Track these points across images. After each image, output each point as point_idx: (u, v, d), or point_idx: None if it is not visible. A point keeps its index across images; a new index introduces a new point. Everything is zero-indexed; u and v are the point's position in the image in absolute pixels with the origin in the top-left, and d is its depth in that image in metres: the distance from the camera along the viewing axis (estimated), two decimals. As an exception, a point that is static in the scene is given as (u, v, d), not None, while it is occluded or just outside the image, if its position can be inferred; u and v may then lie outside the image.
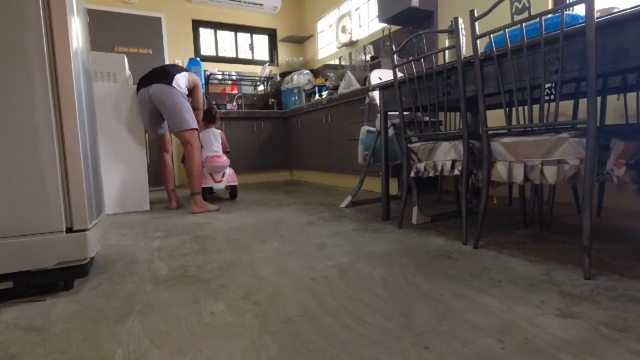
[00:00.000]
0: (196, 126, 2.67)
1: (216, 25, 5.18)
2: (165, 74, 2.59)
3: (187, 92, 2.72)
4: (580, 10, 1.50)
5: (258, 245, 1.68)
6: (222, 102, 4.98)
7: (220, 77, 5.11)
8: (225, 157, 3.07)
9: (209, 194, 3.41)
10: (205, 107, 3.13)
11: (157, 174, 4.77)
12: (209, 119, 3.18)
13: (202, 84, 4.61)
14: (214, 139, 3.15)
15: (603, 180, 1.19)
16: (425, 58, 1.67)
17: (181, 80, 2.64)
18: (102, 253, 1.67)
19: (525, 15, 2.44)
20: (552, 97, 1.99)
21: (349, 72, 3.87)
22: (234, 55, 5.35)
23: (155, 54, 4.79)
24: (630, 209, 2.10)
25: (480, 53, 1.43)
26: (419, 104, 1.77)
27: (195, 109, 2.84)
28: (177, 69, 2.69)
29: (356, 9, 4.42)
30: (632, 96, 2.04)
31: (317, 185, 4.19)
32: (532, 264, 1.29)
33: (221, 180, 3.07)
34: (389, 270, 1.29)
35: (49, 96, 1.14)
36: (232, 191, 3.29)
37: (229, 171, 3.15)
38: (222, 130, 3.63)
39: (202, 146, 2.99)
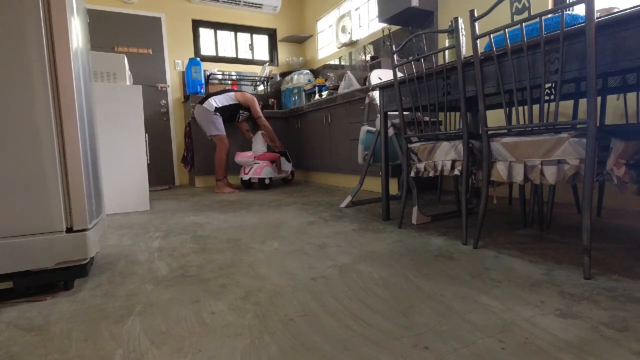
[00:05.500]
0: (217, 133, 3.70)
1: (216, 25, 5.18)
2: (205, 97, 3.75)
3: (216, 108, 3.70)
4: (580, 10, 1.51)
5: (258, 245, 1.68)
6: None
7: (220, 77, 5.11)
8: (249, 154, 3.80)
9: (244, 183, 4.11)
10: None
11: (157, 174, 4.80)
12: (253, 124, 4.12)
13: (202, 84, 4.63)
14: (256, 142, 4.01)
15: (603, 180, 1.19)
16: (425, 58, 1.67)
17: (212, 101, 3.69)
18: (102, 253, 1.67)
19: (525, 15, 2.44)
20: (552, 97, 1.99)
21: (349, 72, 3.87)
22: (234, 55, 5.35)
23: (155, 54, 4.79)
24: (630, 209, 2.10)
25: (480, 53, 1.43)
26: (419, 104, 1.77)
27: (257, 118, 3.89)
28: (216, 93, 3.79)
29: (356, 9, 4.42)
30: (632, 96, 2.04)
31: (317, 185, 4.19)
32: (532, 264, 1.29)
33: (247, 173, 3.81)
34: (389, 271, 1.29)
35: (49, 96, 1.14)
36: (260, 182, 3.89)
37: (255, 167, 3.79)
38: (243, 129, 4.31)
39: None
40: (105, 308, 1.07)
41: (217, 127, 3.69)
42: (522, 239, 1.60)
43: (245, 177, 3.83)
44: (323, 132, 4.02)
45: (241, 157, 3.79)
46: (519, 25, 1.28)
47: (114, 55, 2.83)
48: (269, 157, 3.92)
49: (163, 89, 4.85)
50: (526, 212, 1.86)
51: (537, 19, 1.39)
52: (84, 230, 1.20)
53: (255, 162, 3.82)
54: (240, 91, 3.87)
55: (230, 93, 3.80)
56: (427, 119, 2.08)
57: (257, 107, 3.87)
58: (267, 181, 3.89)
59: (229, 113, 3.83)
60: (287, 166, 4.22)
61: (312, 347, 0.82)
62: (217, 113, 3.69)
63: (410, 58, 1.72)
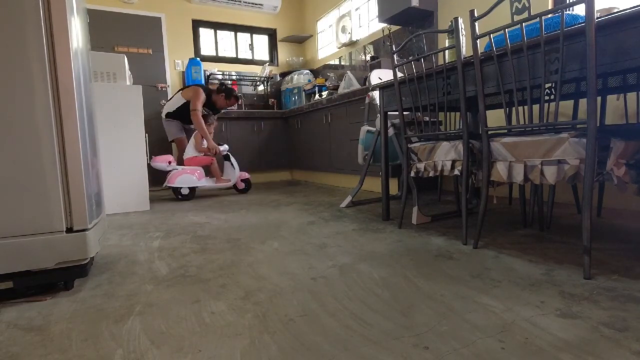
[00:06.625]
0: (172, 137, 3.73)
1: (216, 25, 5.18)
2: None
3: (168, 114, 3.67)
4: (580, 10, 1.50)
5: (258, 245, 1.68)
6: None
7: (220, 77, 5.11)
8: (164, 158, 3.32)
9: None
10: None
11: (157, 174, 4.79)
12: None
13: (202, 83, 4.61)
14: (189, 143, 3.51)
15: (603, 180, 1.19)
16: (425, 58, 1.67)
17: (164, 108, 3.70)
18: (102, 253, 1.67)
19: (525, 15, 2.44)
20: (552, 97, 1.99)
21: (349, 72, 3.87)
22: (234, 55, 5.35)
23: (155, 54, 4.78)
24: (630, 209, 2.10)
25: (480, 53, 1.43)
26: (419, 104, 1.77)
27: (191, 110, 3.48)
28: (169, 99, 3.71)
29: (356, 9, 4.42)
30: (632, 96, 2.04)
31: (317, 185, 4.19)
32: (532, 264, 1.29)
33: (165, 179, 3.39)
34: (389, 271, 1.29)
35: (49, 96, 1.14)
36: (175, 192, 3.38)
37: (172, 173, 3.32)
38: (212, 129, 3.63)
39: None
40: (105, 308, 1.07)
41: (171, 132, 3.72)
42: (522, 239, 1.60)
43: (165, 185, 3.31)
44: (323, 132, 4.02)
45: (155, 161, 3.26)
46: (519, 25, 1.28)
47: (114, 55, 2.83)
48: (199, 162, 3.43)
49: (163, 89, 4.84)
50: (526, 212, 1.86)
51: (537, 19, 1.38)
52: (84, 230, 1.20)
53: (174, 167, 3.31)
54: (191, 86, 3.61)
55: (179, 93, 3.64)
56: (427, 119, 2.08)
57: (197, 99, 3.45)
58: (184, 191, 3.35)
59: (185, 114, 3.58)
60: (230, 173, 3.59)
61: (312, 347, 0.82)
62: (170, 118, 3.67)
63: (410, 58, 1.72)
